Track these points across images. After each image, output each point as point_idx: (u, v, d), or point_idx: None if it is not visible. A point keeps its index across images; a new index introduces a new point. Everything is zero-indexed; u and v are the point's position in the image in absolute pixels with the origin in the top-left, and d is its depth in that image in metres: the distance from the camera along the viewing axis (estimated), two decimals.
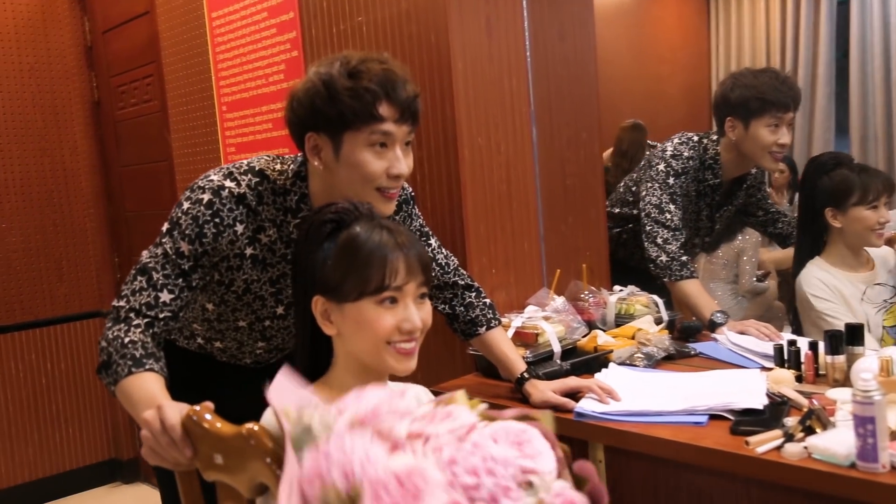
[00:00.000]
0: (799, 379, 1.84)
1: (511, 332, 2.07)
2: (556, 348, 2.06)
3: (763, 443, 1.50)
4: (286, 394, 1.14)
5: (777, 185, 5.23)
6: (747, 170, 2.65)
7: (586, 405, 1.78)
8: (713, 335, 2.27)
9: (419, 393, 1.53)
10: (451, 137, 2.20)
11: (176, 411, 1.25)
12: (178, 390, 1.43)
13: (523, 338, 2.08)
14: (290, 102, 1.56)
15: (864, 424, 1.35)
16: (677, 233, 2.47)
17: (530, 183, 2.40)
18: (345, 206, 1.39)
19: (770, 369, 1.89)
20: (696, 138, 2.59)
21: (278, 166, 1.64)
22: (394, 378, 1.54)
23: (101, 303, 4.26)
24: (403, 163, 1.54)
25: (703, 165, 2.57)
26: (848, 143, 5.38)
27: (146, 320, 1.52)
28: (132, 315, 1.52)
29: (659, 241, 2.46)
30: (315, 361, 1.42)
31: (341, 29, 2.46)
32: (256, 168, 1.62)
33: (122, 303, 1.55)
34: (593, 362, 2.05)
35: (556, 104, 2.48)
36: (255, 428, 1.13)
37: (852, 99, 5.32)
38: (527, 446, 1.00)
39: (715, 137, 2.57)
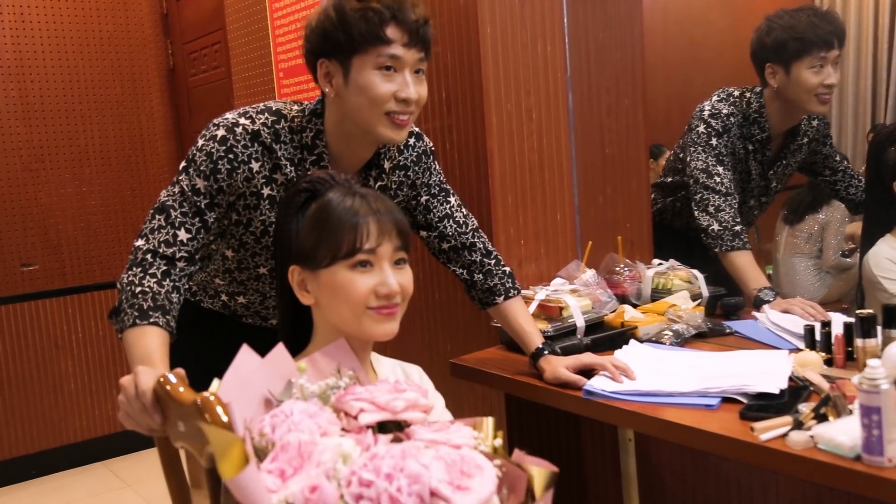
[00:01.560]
0: (829, 363, 1.72)
1: (534, 305, 2.02)
2: (580, 323, 1.99)
3: (768, 430, 1.41)
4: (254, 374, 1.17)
5: None
6: (797, 119, 2.48)
7: (597, 383, 1.71)
8: (754, 313, 2.15)
9: (411, 372, 1.52)
10: (477, 104, 2.15)
11: (150, 377, 1.25)
12: (204, 356, 1.43)
13: (547, 311, 2.02)
14: (304, 33, 1.58)
15: (870, 415, 1.25)
16: (729, 198, 2.34)
17: (565, 152, 2.32)
18: (320, 176, 1.38)
19: (801, 352, 1.78)
20: (736, 93, 2.45)
21: (296, 106, 1.66)
22: (386, 352, 1.52)
23: None
24: (413, 87, 1.54)
25: (747, 120, 2.42)
26: None
27: (164, 266, 1.52)
28: (149, 257, 1.52)
29: (710, 209, 2.33)
30: (297, 335, 1.41)
31: None
32: (273, 108, 1.64)
33: (140, 242, 1.55)
34: (617, 338, 1.98)
35: (596, 70, 2.38)
36: (210, 398, 1.13)
37: None
38: (464, 478, 1.03)
39: (759, 89, 2.42)
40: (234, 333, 1.87)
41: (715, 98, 2.45)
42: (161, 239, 1.53)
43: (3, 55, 3.88)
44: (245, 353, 1.21)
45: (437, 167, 1.86)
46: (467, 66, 2.16)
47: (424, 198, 1.83)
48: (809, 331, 1.80)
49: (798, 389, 1.58)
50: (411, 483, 0.98)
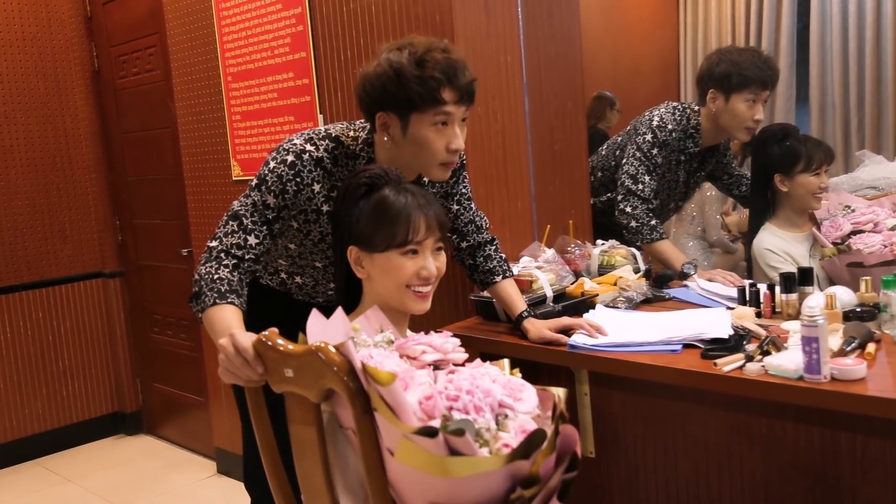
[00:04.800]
0: (759, 315, 2.14)
1: None
2: (549, 293, 2.34)
3: (729, 363, 1.80)
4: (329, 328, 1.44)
5: (733, 149, 5.50)
6: (723, 139, 2.88)
7: (578, 339, 2.07)
8: (684, 282, 2.57)
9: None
10: None
11: (247, 336, 1.51)
12: (259, 322, 1.66)
13: (519, 284, 2.35)
14: (362, 83, 1.82)
15: (810, 343, 1.65)
16: (648, 203, 2.73)
17: (523, 149, 2.67)
18: (376, 172, 1.68)
19: (734, 308, 2.20)
20: (681, 108, 2.82)
21: (351, 133, 1.93)
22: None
23: (102, 264, 4.48)
24: (460, 138, 1.83)
25: (685, 134, 2.79)
26: (808, 110, 5.57)
27: (234, 261, 1.80)
28: (223, 255, 1.81)
29: (628, 209, 2.73)
30: (349, 300, 1.72)
31: (351, 8, 2.70)
32: (333, 135, 1.92)
33: (214, 243, 1.83)
34: (581, 305, 2.34)
35: (546, 77, 2.74)
36: (324, 345, 1.40)
37: (812, 69, 5.52)
38: (516, 393, 1.35)
39: (697, 108, 2.80)
40: (285, 307, 2.14)
41: (663, 109, 2.82)
42: (233, 242, 1.82)
43: None
44: (315, 315, 1.48)
45: (466, 175, 2.19)
46: None
47: (455, 207, 2.17)
48: (741, 291, 2.22)
49: (741, 335, 1.98)
50: (485, 396, 1.30)
